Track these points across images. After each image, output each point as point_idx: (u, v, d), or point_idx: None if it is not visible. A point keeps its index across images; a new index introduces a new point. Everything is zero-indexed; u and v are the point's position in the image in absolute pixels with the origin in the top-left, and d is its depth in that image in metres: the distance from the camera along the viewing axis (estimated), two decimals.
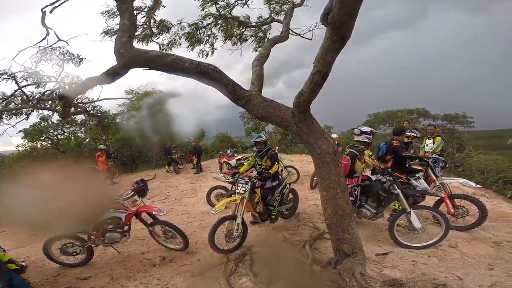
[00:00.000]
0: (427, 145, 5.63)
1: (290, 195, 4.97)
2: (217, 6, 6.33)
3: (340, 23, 1.93)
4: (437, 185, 4.37)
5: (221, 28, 6.87)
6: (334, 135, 7.59)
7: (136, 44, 6.89)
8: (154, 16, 6.74)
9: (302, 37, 6.68)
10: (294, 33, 6.53)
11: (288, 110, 2.73)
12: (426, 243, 3.58)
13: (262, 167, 4.47)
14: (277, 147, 7.47)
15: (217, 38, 7.14)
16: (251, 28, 7.09)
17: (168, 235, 3.95)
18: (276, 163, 4.38)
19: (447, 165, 4.76)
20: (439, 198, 4.33)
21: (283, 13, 6.45)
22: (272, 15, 6.76)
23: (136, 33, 6.56)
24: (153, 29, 6.87)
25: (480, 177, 11.87)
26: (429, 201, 4.81)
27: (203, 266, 3.45)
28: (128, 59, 2.70)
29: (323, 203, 2.81)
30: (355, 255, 2.66)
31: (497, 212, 5.12)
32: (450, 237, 3.74)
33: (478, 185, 4.60)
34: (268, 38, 6.61)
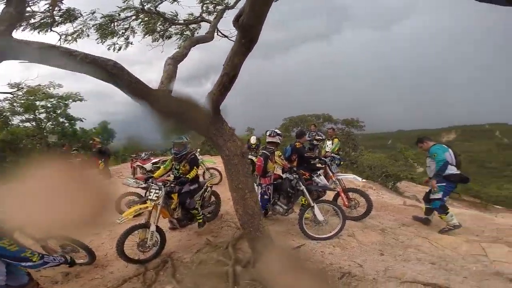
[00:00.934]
0: (327, 145, 6.57)
1: (212, 198, 4.97)
2: None
3: (248, 26, 2.03)
4: (334, 181, 5.10)
5: (142, 23, 6.36)
6: (253, 138, 7.98)
7: (30, 33, 5.77)
8: (60, 4, 5.72)
9: (229, 39, 6.69)
10: (222, 35, 6.53)
11: (204, 111, 2.70)
12: (330, 234, 4.01)
13: (180, 171, 4.27)
14: (199, 149, 7.33)
15: (136, 32, 6.59)
16: (178, 26, 6.82)
17: (66, 250, 3.39)
18: (195, 168, 4.27)
19: (341, 163, 5.65)
20: (336, 192, 5.05)
21: (216, 13, 6.39)
22: (204, 14, 6.63)
23: (33, 21, 5.58)
24: (55, 17, 5.81)
25: (369, 172, 14.55)
26: (330, 195, 5.56)
27: (118, 278, 3.16)
28: None
29: (234, 204, 2.89)
30: (271, 252, 2.78)
31: (381, 202, 6.34)
32: (348, 227, 4.28)
33: (364, 180, 5.61)
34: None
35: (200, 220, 4.27)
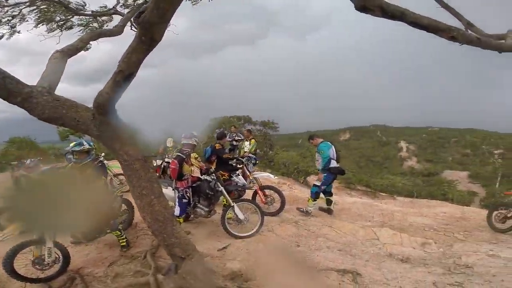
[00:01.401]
0: (245, 146, 6.82)
1: (124, 206, 4.42)
2: None
3: (150, 24, 1.90)
4: (252, 180, 5.33)
5: (37, 10, 5.20)
6: (169, 141, 7.53)
7: None
8: None
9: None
10: (136, 30, 5.86)
11: (88, 112, 2.40)
12: (252, 231, 4.16)
13: None
14: (103, 154, 6.38)
15: (27, 20, 5.46)
16: (84, 17, 5.82)
17: None
18: (102, 176, 3.77)
19: (257, 162, 5.95)
20: (254, 190, 5.30)
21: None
22: (119, 7, 5.81)
23: None
24: None
25: (284, 169, 15.99)
26: (251, 193, 5.78)
27: None
28: None
29: (140, 212, 2.71)
30: (191, 257, 2.71)
31: (293, 196, 6.96)
32: (267, 223, 4.52)
33: (276, 177, 6.05)
34: None
35: (124, 243, 3.77)
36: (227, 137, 6.26)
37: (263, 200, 5.22)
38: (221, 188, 4.19)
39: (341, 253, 3.76)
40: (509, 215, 4.56)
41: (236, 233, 4.13)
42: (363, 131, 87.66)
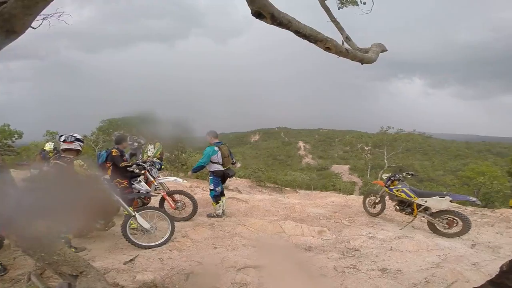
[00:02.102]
0: (149, 150, 6.19)
1: None
2: None
3: (10, 15, 1.60)
4: (157, 186, 4.91)
5: None
6: (49, 145, 6.10)
7: None
8: None
9: None
10: None
11: None
12: (163, 239, 3.85)
13: None
14: None
15: None
16: None
17: None
18: None
19: (162, 167, 5.54)
20: (161, 196, 4.92)
21: None
22: None
23: None
24: None
25: (199, 172, 15.59)
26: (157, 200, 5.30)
27: None
28: None
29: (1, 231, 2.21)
30: (86, 273, 2.30)
31: (206, 199, 6.76)
32: (180, 228, 4.29)
33: (185, 181, 5.79)
34: None
35: None
36: (128, 140, 5.54)
37: (172, 205, 4.87)
38: (117, 198, 3.68)
39: (255, 249, 3.89)
40: (377, 201, 5.65)
41: (143, 243, 3.75)
42: (270, 133, 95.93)
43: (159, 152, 5.65)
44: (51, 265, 2.25)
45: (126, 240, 3.69)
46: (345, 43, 2.98)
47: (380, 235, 4.47)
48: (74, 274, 2.31)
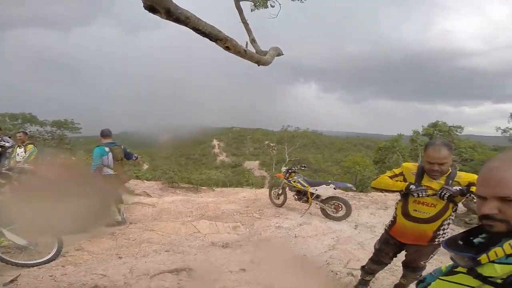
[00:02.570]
0: (18, 154, 5.14)
1: None
2: None
3: None
4: None
5: None
6: None
7: None
8: None
9: None
10: None
11: None
12: (50, 255, 3.35)
13: None
14: None
15: None
16: None
17: None
18: None
19: None
20: None
21: None
22: None
23: None
24: None
25: None
26: None
27: None
28: None
29: None
30: None
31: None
32: (72, 242, 3.78)
33: None
34: None
35: None
36: None
37: None
38: None
39: (169, 253, 3.78)
40: (280, 193, 6.30)
41: (24, 262, 3.20)
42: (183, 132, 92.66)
43: (33, 156, 4.72)
44: None
45: None
46: (249, 44, 3.16)
47: (286, 224, 5.07)
48: None
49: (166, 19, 1.81)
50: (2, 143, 4.56)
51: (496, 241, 0.83)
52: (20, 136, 5.30)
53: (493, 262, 0.82)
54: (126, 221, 4.82)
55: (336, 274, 3.33)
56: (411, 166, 2.25)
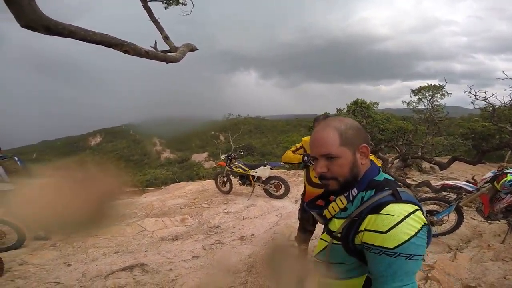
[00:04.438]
0: None
1: None
2: None
3: None
4: None
5: None
6: None
7: None
8: None
9: None
10: None
11: None
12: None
13: None
14: None
15: None
16: None
17: None
18: None
19: None
20: None
21: None
22: None
23: None
24: None
25: None
26: None
27: None
28: None
29: None
30: None
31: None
32: (13, 258, 3.62)
33: None
34: None
35: None
36: None
37: None
38: None
39: (119, 254, 3.81)
40: (225, 180, 6.53)
41: None
42: (116, 132, 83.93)
43: None
44: None
45: None
46: (163, 42, 3.16)
47: (233, 209, 5.40)
48: None
49: (48, 34, 1.74)
50: None
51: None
52: None
53: (334, 217, 0.89)
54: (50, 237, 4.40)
55: None
56: (308, 139, 2.71)
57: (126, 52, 2.19)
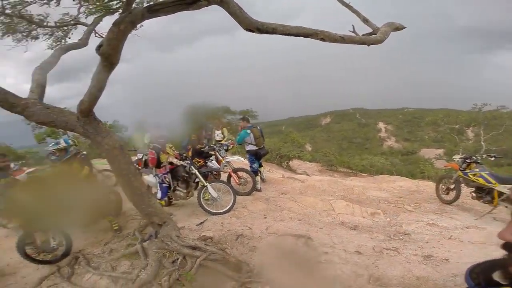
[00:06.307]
0: (217, 135, 7.27)
1: (113, 197, 4.78)
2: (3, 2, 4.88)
3: (107, 54, 2.40)
4: (225, 164, 5.77)
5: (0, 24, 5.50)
6: (147, 137, 7.80)
7: None
8: None
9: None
10: (99, 36, 6.15)
11: (72, 115, 2.90)
12: (226, 208, 4.69)
13: None
14: (85, 152, 6.58)
15: None
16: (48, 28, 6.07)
17: None
18: (85, 167, 4.22)
19: (229, 148, 6.46)
20: (228, 173, 5.79)
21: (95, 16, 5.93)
22: (79, 17, 6.00)
23: None
24: None
25: (268, 156, 16.50)
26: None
27: (34, 279, 3.21)
28: None
29: (123, 188, 3.31)
30: (167, 224, 3.35)
31: (268, 178, 7.45)
32: (241, 201, 5.06)
33: (244, 160, 6.60)
34: (68, 39, 6.06)
35: (116, 227, 4.25)
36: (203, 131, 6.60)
37: (237, 181, 5.72)
38: (195, 171, 4.66)
39: (300, 222, 4.34)
40: (451, 187, 5.06)
41: (212, 210, 4.65)
42: (343, 115, 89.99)
43: (227, 136, 6.70)
44: (147, 215, 3.32)
45: (200, 206, 4.65)
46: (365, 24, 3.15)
47: (444, 223, 4.19)
48: (160, 223, 3.33)
49: (260, 33, 2.33)
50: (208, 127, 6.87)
51: None
52: (217, 123, 7.59)
53: None
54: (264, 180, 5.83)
55: None
56: None
57: (322, 39, 2.40)
